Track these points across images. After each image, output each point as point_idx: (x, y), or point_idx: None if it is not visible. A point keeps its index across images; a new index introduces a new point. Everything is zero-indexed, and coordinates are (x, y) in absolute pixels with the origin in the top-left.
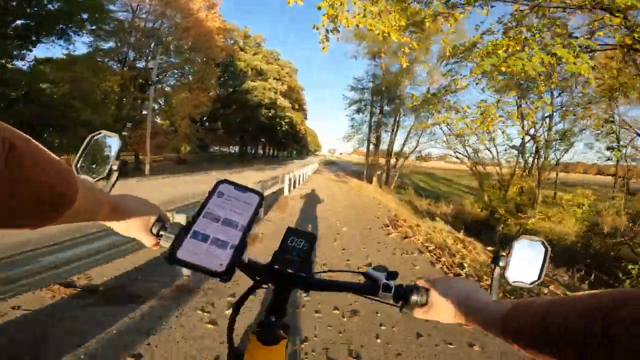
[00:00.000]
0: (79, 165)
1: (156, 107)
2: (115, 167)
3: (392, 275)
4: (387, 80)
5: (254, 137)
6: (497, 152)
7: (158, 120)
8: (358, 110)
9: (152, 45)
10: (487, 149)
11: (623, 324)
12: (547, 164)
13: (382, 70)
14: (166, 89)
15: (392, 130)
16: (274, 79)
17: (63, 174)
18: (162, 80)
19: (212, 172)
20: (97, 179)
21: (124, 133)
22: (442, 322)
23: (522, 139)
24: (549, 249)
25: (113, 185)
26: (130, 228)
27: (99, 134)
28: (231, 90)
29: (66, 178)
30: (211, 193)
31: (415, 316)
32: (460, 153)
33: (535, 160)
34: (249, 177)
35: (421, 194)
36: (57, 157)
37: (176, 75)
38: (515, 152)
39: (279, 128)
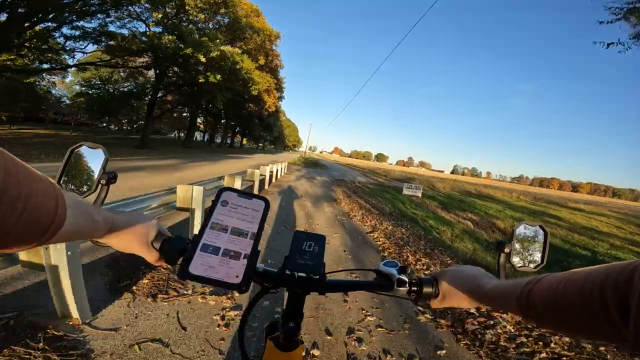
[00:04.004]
0: (61, 181)
1: None
2: (103, 181)
3: (404, 269)
4: None
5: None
6: None
7: None
8: None
9: None
10: None
11: (636, 293)
12: None
13: None
14: None
15: None
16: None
17: (49, 193)
18: None
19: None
20: (85, 194)
21: None
22: (459, 307)
23: None
24: (548, 232)
25: (103, 200)
26: (130, 244)
27: (80, 145)
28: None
29: (53, 198)
30: (215, 202)
31: (432, 307)
32: None
33: None
34: None
35: None
36: (41, 175)
37: None
38: None
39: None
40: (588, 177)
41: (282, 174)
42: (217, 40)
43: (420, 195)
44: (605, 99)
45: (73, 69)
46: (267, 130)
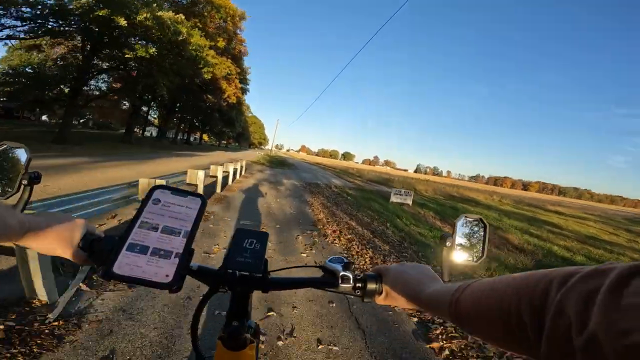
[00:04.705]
0: None
1: None
2: (25, 182)
3: (348, 265)
4: None
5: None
6: None
7: None
8: None
9: None
10: None
11: (549, 313)
12: None
13: None
14: None
15: None
16: None
17: None
18: None
19: None
20: (6, 195)
21: None
22: (400, 307)
23: None
24: (487, 225)
25: (27, 202)
26: (51, 246)
27: (2, 145)
28: None
29: None
30: (145, 201)
31: (377, 303)
32: None
33: None
34: None
35: None
36: None
37: None
38: None
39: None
40: (532, 175)
41: (239, 176)
42: (154, 5)
43: (410, 203)
44: (552, 102)
45: None
46: (228, 126)
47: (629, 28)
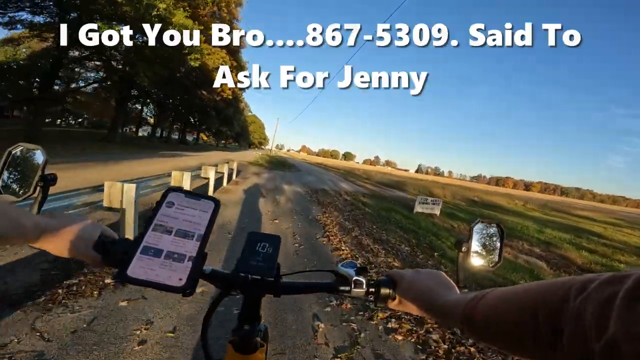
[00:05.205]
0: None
1: None
2: (42, 183)
3: (362, 270)
4: None
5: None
6: None
7: None
8: None
9: None
10: None
11: (567, 319)
12: None
13: None
14: None
15: None
16: None
17: None
18: None
19: None
20: (23, 196)
21: None
22: (413, 313)
23: None
24: (505, 231)
25: (42, 203)
26: (66, 248)
27: (18, 146)
28: None
29: None
30: (159, 203)
31: (390, 307)
32: None
33: None
34: None
35: None
36: None
37: None
38: None
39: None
40: (532, 175)
41: (227, 183)
42: None
43: (438, 212)
44: (552, 101)
45: None
46: (226, 124)
47: (636, 28)
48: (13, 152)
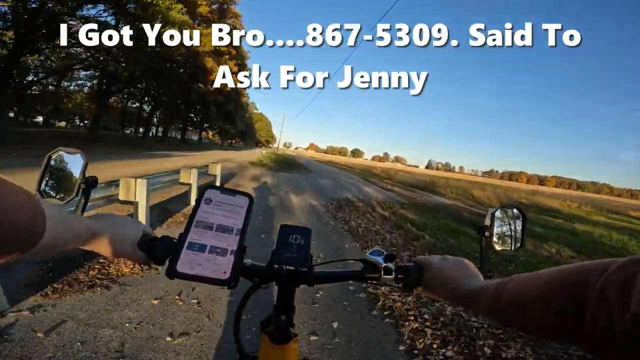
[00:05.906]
0: (42, 188)
1: None
2: (83, 186)
3: (390, 257)
4: None
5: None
6: None
7: None
8: None
9: None
10: None
11: (590, 300)
12: None
13: None
14: None
15: None
16: None
17: (26, 205)
18: None
19: None
20: (65, 200)
21: None
22: (440, 300)
23: None
24: (526, 215)
25: (85, 206)
26: (115, 249)
27: (57, 151)
28: None
29: (31, 210)
30: (198, 201)
31: (417, 294)
32: None
33: None
34: None
35: None
36: (17, 186)
37: None
38: None
39: None
40: (544, 169)
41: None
42: None
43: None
44: (566, 96)
45: None
46: (227, 121)
47: None
48: (53, 156)
